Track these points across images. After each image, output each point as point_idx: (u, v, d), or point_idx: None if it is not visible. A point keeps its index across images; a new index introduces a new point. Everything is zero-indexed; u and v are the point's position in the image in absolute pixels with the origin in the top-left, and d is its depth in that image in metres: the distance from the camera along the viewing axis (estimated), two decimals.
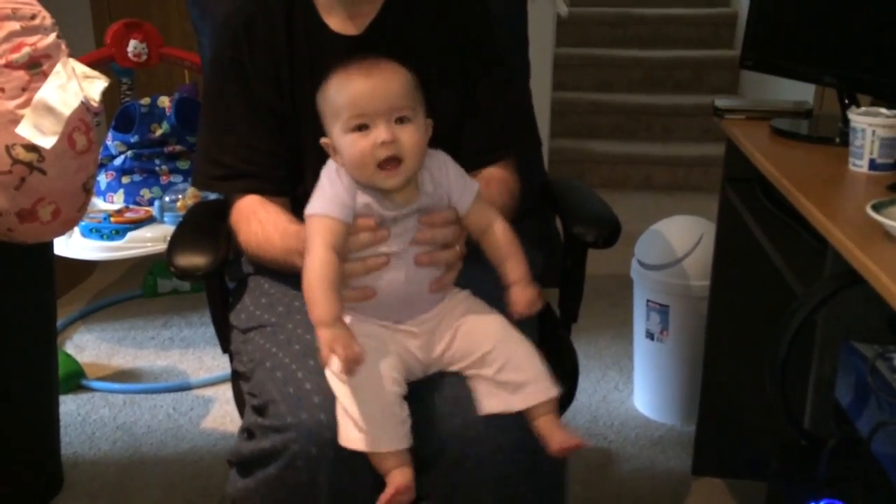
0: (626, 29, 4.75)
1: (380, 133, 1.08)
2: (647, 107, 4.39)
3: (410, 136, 1.09)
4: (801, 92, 2.08)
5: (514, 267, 1.16)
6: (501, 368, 1.13)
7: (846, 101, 1.55)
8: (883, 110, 1.34)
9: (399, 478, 1.08)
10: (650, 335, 2.17)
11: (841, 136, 1.50)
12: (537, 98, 1.61)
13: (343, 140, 1.10)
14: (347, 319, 1.11)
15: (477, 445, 1.13)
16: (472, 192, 1.18)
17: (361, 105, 1.09)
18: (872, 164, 1.33)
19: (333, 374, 1.10)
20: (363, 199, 1.11)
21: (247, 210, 1.32)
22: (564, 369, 1.35)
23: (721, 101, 1.77)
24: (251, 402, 1.20)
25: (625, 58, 4.58)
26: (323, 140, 1.16)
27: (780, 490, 1.15)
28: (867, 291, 0.98)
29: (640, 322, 2.20)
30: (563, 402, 1.22)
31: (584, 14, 4.71)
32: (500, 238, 1.17)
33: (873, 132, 1.32)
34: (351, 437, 1.08)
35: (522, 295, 1.15)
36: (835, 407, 1.11)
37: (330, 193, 1.11)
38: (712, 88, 4.45)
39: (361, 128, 1.09)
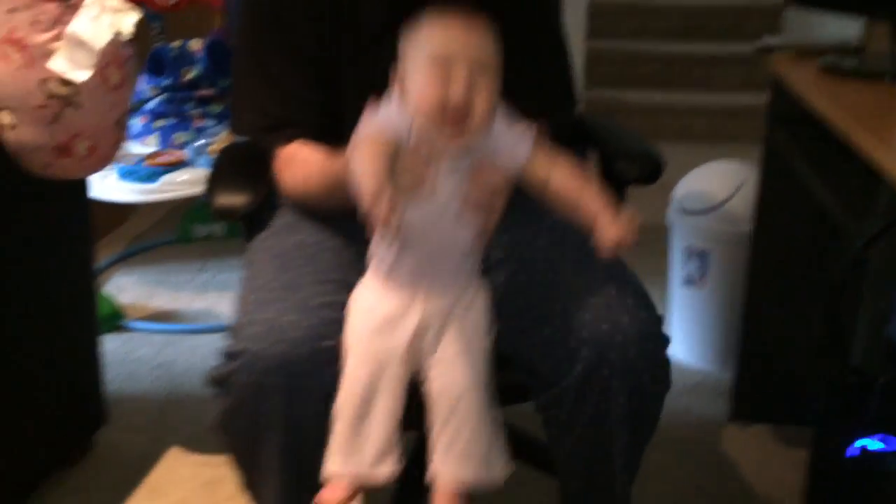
0: None
1: (459, 75, 1.01)
2: (685, 55, 4.29)
3: (485, 89, 1.02)
4: (845, 36, 2.02)
5: (591, 201, 1.03)
6: (453, 440, 1.08)
7: None
8: None
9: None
10: (689, 281, 2.14)
11: (892, 73, 1.46)
12: (572, 47, 1.55)
13: (417, 76, 1.03)
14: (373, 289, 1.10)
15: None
16: (527, 143, 1.08)
17: (449, 47, 1.02)
18: None
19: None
20: (418, 131, 1.04)
21: (288, 154, 1.30)
22: None
23: (769, 39, 1.72)
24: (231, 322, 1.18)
25: (662, 5, 4.47)
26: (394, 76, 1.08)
27: (828, 428, 1.13)
28: None
29: (678, 268, 2.17)
30: None
31: None
32: (567, 177, 1.06)
33: None
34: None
35: (610, 230, 1.00)
36: (887, 343, 1.09)
37: (384, 119, 1.04)
38: (752, 36, 4.32)
39: (440, 71, 1.02)
